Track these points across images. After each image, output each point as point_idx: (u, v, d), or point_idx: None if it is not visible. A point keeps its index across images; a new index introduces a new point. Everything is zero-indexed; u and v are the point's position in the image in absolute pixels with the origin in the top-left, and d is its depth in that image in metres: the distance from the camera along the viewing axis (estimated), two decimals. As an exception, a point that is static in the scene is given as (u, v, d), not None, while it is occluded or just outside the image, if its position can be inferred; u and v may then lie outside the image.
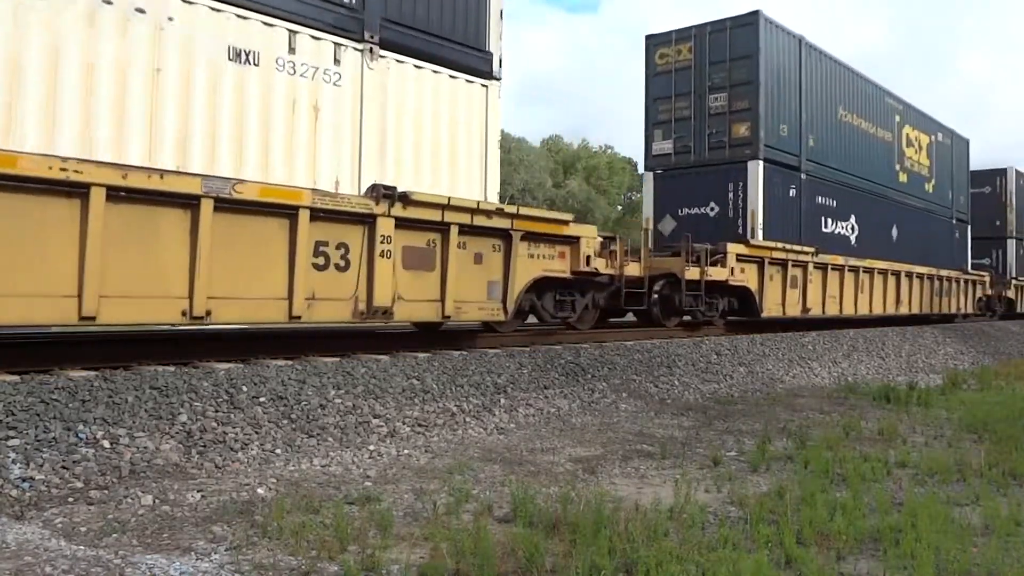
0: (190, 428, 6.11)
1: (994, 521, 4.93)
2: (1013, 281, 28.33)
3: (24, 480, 5.04)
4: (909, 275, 20.61)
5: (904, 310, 20.39)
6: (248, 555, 4.15)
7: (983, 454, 7.06)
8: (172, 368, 6.93)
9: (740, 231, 15.02)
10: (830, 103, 17.72)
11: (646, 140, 16.62)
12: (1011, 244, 28.70)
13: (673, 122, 16.15)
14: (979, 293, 25.48)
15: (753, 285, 14.60)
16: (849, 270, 17.70)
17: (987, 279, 25.98)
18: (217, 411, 6.41)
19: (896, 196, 20.71)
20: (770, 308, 15.05)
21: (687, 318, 13.91)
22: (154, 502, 5.00)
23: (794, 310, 15.83)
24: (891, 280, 19.66)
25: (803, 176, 16.45)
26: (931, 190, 22.85)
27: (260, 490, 5.37)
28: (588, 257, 10.85)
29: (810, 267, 16.16)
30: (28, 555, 3.87)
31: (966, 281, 24.45)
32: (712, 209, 15.63)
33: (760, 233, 14.93)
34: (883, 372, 15.49)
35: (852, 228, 18.49)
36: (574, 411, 9.01)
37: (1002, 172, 29.38)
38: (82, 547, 4.11)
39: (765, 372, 12.76)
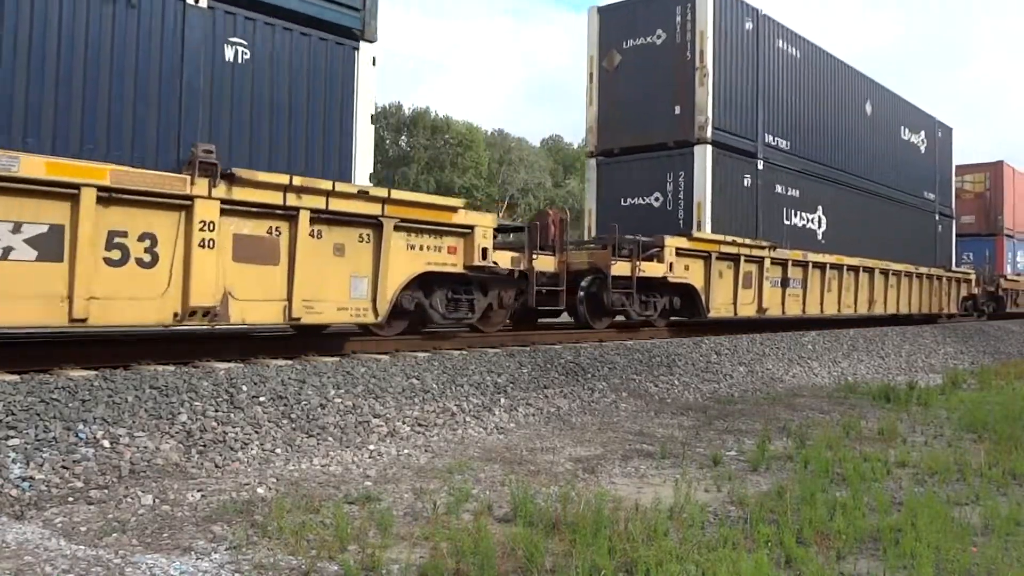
0: (190, 428, 6.11)
1: (994, 521, 4.93)
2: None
3: (24, 480, 5.04)
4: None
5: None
6: (248, 555, 4.15)
7: (983, 454, 7.06)
8: (172, 368, 6.93)
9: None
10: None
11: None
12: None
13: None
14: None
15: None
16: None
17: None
18: (217, 411, 6.41)
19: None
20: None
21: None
22: (154, 502, 5.00)
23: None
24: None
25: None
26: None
27: (260, 490, 5.37)
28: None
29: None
30: (28, 555, 3.86)
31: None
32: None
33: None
34: (883, 372, 15.49)
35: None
36: (574, 411, 9.01)
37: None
38: (82, 547, 4.11)
39: (765, 372, 12.76)
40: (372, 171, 8.95)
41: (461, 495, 5.25)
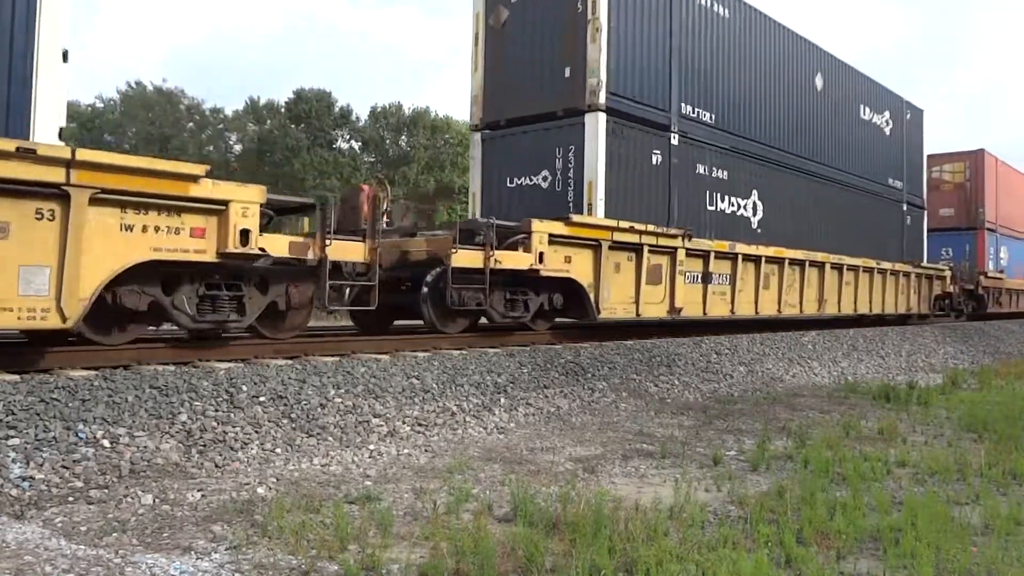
0: (190, 427, 6.11)
1: (994, 520, 4.93)
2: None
3: (24, 479, 5.04)
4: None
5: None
6: (248, 554, 4.15)
7: (983, 453, 7.06)
8: (172, 368, 6.93)
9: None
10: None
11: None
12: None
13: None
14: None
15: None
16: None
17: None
18: (217, 410, 6.41)
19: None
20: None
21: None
22: (154, 501, 5.00)
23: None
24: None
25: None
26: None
27: (260, 489, 5.37)
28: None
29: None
30: (28, 554, 3.86)
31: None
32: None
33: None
34: (883, 371, 15.49)
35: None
36: (574, 410, 9.01)
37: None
38: (82, 546, 4.11)
39: (765, 371, 12.76)
40: (63, 126, 6.93)
41: (461, 495, 5.25)
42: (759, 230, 15.01)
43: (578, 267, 10.98)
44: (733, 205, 14.42)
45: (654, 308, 12.21)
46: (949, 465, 6.50)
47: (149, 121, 50.87)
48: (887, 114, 20.31)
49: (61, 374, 6.33)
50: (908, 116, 21.39)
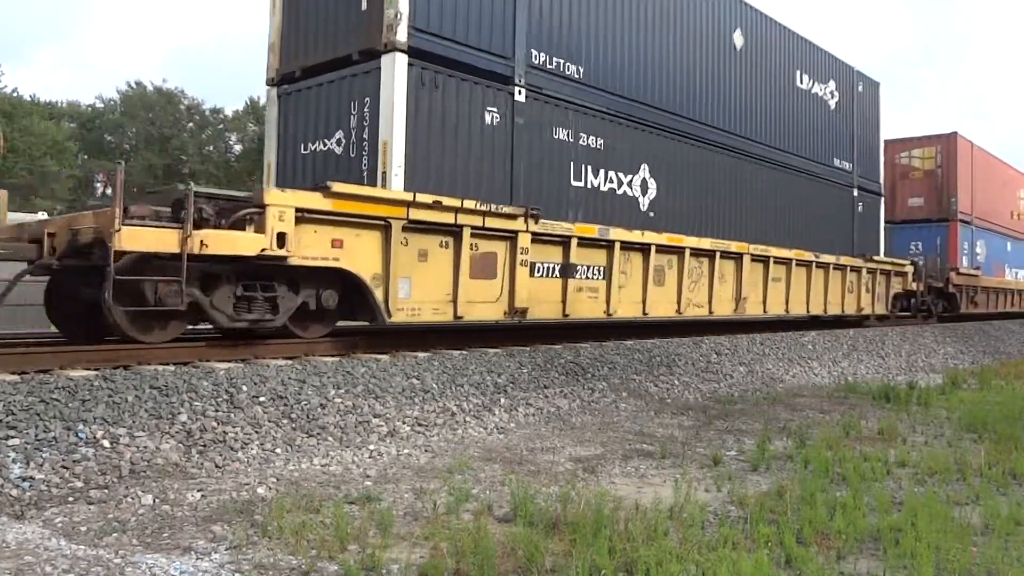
0: (190, 428, 6.11)
1: (994, 520, 4.93)
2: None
3: (24, 479, 5.04)
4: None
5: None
6: (248, 554, 4.15)
7: (983, 454, 7.06)
8: (172, 368, 6.92)
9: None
10: None
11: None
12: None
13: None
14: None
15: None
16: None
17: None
18: (217, 411, 6.41)
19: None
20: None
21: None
22: (154, 502, 5.00)
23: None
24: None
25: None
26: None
27: (260, 489, 5.37)
28: None
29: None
30: (28, 554, 3.86)
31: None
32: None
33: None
34: (883, 371, 15.49)
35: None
36: (574, 410, 9.01)
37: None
38: (82, 547, 4.11)
39: (765, 371, 12.76)
40: None
41: (461, 495, 5.25)
42: (651, 213, 12.28)
43: (355, 254, 8.29)
44: (612, 181, 11.61)
45: (484, 308, 9.60)
46: (949, 465, 6.51)
47: (149, 121, 50.87)
48: (832, 84, 17.55)
49: (61, 374, 6.33)
50: (860, 89, 18.66)
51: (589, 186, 11.27)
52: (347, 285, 8.50)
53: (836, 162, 17.71)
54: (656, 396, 10.27)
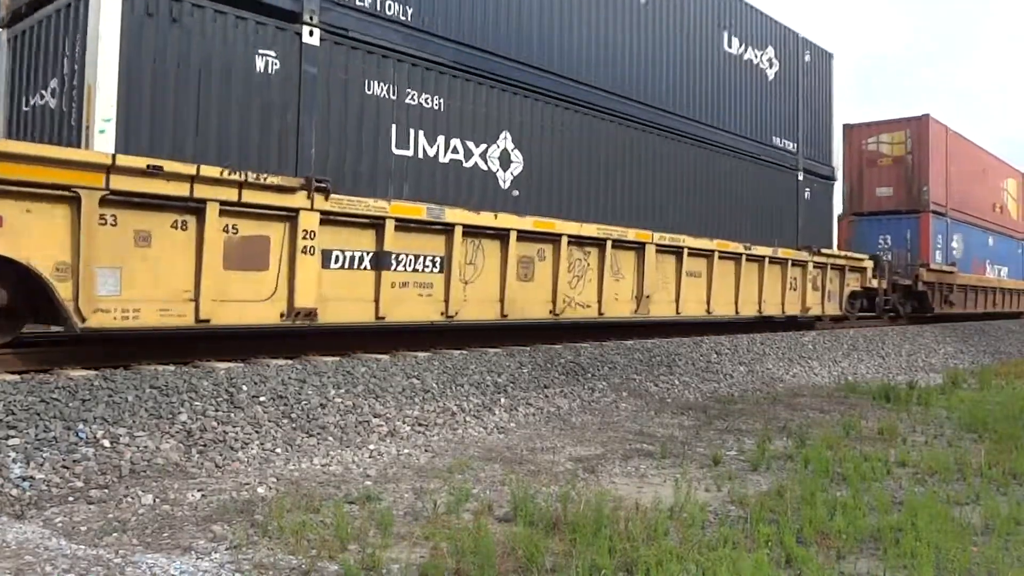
0: (190, 427, 6.11)
1: (994, 520, 4.93)
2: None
3: (24, 479, 5.04)
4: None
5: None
6: (248, 554, 4.15)
7: (983, 453, 7.06)
8: (172, 367, 6.92)
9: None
10: None
11: None
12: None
13: None
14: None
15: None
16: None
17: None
18: (217, 410, 6.41)
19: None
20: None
21: None
22: (154, 501, 5.00)
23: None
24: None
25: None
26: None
27: (260, 489, 5.37)
28: None
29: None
30: (28, 554, 3.86)
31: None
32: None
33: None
34: (883, 371, 15.50)
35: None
36: (574, 410, 9.02)
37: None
38: (82, 546, 4.11)
39: (765, 371, 12.77)
40: None
41: (461, 495, 5.25)
42: (515, 192, 10.16)
43: (25, 235, 6.03)
44: (456, 151, 9.47)
45: (248, 308, 7.43)
46: (949, 465, 6.51)
47: (149, 121, 50.58)
48: (770, 51, 15.15)
49: (61, 374, 6.33)
50: (807, 59, 16.30)
51: (421, 155, 9.10)
52: (24, 277, 6.20)
53: (776, 140, 15.41)
54: (656, 396, 10.27)
